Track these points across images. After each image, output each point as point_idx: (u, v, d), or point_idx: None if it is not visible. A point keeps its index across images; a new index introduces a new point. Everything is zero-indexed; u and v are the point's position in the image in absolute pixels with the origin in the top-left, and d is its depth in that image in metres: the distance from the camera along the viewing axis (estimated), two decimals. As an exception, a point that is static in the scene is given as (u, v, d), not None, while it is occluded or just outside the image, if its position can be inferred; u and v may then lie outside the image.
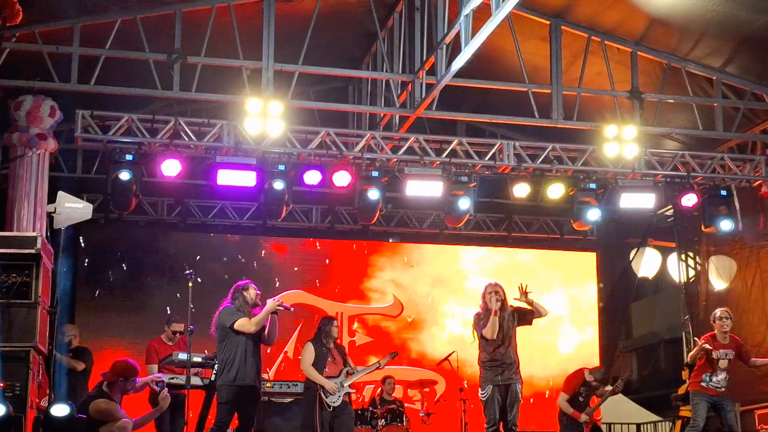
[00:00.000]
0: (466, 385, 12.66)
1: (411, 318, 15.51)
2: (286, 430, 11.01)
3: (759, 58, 12.15)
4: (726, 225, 13.15)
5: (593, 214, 13.10)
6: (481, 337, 9.65)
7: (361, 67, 13.58)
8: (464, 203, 12.68)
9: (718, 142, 13.66)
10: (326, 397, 10.12)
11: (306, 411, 10.39)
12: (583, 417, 11.39)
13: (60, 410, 8.17)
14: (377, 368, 10.99)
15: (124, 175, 11.63)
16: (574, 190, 13.06)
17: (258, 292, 9.21)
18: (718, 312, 10.36)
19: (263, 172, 12.08)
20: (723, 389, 10.23)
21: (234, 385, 8.86)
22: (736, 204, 13.27)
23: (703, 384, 10.21)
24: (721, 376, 10.21)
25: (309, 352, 10.38)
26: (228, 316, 8.99)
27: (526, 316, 9.85)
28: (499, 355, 9.58)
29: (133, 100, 12.07)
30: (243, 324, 8.90)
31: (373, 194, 12.48)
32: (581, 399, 11.53)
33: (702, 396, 10.23)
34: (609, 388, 11.68)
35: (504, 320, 9.58)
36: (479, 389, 9.71)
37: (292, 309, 9.46)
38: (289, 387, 11.56)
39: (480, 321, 9.70)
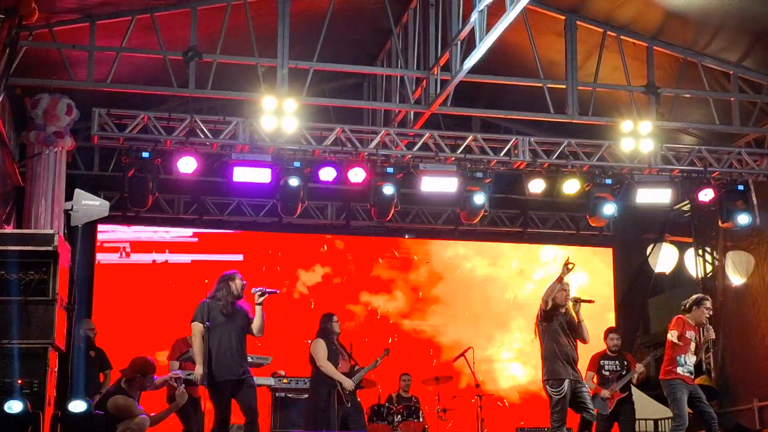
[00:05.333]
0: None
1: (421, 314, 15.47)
2: (302, 425, 11.01)
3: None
4: (743, 219, 13.15)
5: (609, 209, 13.05)
6: (547, 325, 9.32)
7: (375, 63, 13.57)
8: (479, 199, 12.69)
9: (735, 136, 13.59)
10: (344, 394, 10.15)
11: (316, 407, 10.33)
12: (604, 392, 11.35)
13: (77, 406, 8.23)
14: (374, 367, 11.16)
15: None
16: (589, 185, 13.04)
17: (244, 282, 8.82)
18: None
19: (278, 169, 12.16)
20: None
21: (212, 382, 8.58)
22: (754, 199, 13.22)
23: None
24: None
25: (322, 348, 10.33)
26: (195, 313, 8.73)
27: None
28: (569, 348, 9.28)
29: (149, 98, 12.11)
30: (192, 329, 8.69)
31: (388, 190, 12.50)
32: (606, 373, 11.50)
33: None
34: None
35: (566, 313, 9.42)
36: (549, 386, 9.18)
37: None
38: (306, 383, 11.56)
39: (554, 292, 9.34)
